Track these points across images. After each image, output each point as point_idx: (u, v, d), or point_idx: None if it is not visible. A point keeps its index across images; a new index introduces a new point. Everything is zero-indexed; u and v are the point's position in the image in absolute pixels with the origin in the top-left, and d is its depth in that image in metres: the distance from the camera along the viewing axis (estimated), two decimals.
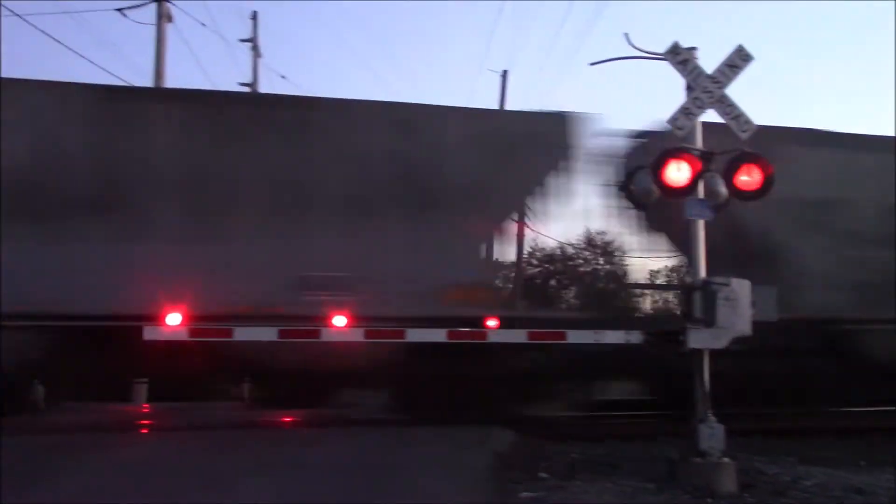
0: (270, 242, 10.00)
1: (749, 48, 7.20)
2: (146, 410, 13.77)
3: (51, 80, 10.27)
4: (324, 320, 7.93)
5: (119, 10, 17.73)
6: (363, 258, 10.04)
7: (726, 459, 6.80)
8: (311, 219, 10.24)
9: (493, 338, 8.66)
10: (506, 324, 9.67)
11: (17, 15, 16.34)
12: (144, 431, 10.47)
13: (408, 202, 10.44)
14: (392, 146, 10.51)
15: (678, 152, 7.04)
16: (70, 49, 19.64)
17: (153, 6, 17.58)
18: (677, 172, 6.99)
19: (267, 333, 7.98)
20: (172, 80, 18.45)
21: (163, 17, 17.48)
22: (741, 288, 7.01)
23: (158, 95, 12.97)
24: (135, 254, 9.69)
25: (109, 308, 9.26)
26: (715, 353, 7.05)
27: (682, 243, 7.72)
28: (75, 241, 9.68)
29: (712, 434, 6.82)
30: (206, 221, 10.02)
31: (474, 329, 8.76)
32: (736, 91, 7.22)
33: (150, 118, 10.30)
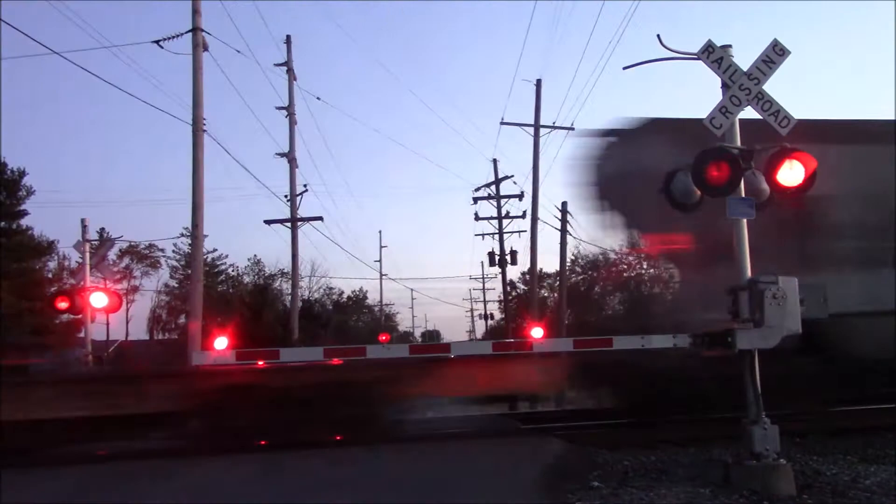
0: None
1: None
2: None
3: None
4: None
5: (156, 41, 18.08)
6: None
7: (782, 461, 6.68)
8: None
9: (538, 347, 8.62)
10: None
11: (57, 53, 16.67)
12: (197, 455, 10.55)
13: None
14: None
15: (718, 151, 6.96)
16: (112, 84, 19.92)
17: (189, 36, 17.87)
18: (718, 172, 6.91)
19: (312, 354, 8.07)
20: (211, 107, 18.70)
21: (198, 47, 17.73)
22: (789, 286, 6.90)
23: None
24: None
25: None
26: None
27: None
28: None
29: (766, 435, 6.70)
30: None
31: (519, 339, 8.73)
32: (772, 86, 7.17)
33: None
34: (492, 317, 61.71)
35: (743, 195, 7.05)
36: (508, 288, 40.59)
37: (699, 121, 7.15)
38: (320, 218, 27.33)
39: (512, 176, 40.56)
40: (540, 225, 28.43)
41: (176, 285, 51.05)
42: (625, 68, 8.12)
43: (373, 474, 7.39)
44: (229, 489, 7.09)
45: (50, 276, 39.67)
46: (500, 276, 36.57)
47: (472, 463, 7.73)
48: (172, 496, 6.90)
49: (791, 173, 6.93)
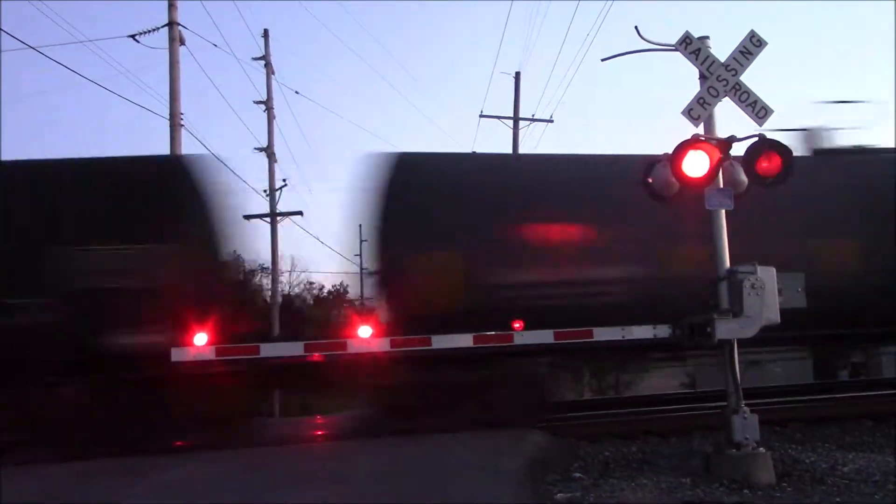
0: None
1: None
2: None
3: None
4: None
5: (132, 36, 17.91)
6: None
7: (762, 449, 6.73)
8: None
9: (518, 340, 8.63)
10: None
11: (32, 48, 16.49)
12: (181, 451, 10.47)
13: None
14: None
15: (695, 142, 6.97)
16: (88, 79, 19.71)
17: (165, 31, 17.72)
18: (695, 163, 6.91)
19: (293, 349, 8.03)
20: (188, 102, 18.58)
21: (175, 41, 17.60)
22: (767, 275, 6.94)
23: None
24: None
25: None
26: None
27: None
28: None
29: (746, 425, 6.75)
30: None
31: (500, 332, 8.73)
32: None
33: None
34: None
35: (721, 186, 7.08)
36: None
37: None
38: (300, 212, 27.21)
39: None
40: None
41: None
42: (603, 60, 8.12)
43: (353, 468, 7.35)
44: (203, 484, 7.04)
45: None
46: None
47: (454, 456, 7.70)
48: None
49: (769, 164, 6.95)
